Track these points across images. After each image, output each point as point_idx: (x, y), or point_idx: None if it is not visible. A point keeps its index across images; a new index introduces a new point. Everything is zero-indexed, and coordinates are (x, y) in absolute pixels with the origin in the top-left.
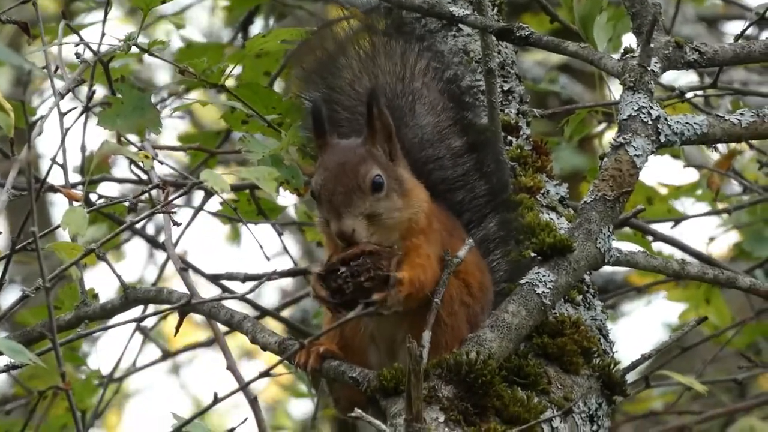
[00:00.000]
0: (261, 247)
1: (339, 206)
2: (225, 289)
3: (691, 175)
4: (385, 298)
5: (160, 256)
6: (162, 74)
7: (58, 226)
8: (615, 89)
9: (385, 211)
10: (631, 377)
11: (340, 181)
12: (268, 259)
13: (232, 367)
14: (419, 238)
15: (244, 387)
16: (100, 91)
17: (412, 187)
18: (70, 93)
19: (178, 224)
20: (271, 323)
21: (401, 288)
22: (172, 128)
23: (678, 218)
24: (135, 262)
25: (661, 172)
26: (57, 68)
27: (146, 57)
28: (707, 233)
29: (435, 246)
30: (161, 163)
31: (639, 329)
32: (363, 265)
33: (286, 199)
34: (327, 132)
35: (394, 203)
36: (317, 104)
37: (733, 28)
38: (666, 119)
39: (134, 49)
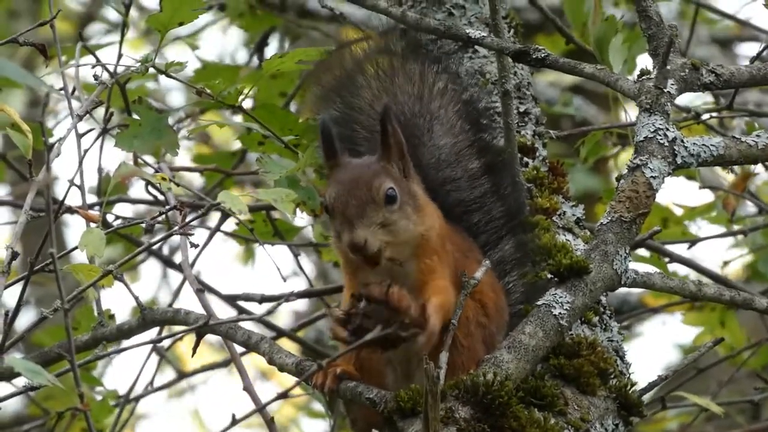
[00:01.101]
0: (278, 269)
1: (352, 218)
2: (241, 310)
3: (707, 197)
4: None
5: (174, 276)
6: (176, 96)
7: (76, 248)
8: (630, 111)
9: (399, 223)
10: (646, 398)
11: (354, 193)
12: (285, 281)
13: (248, 388)
14: (433, 259)
15: (262, 408)
16: (117, 113)
17: (425, 203)
18: (87, 114)
19: (195, 246)
20: (286, 344)
21: (432, 331)
22: (186, 149)
23: (693, 240)
24: (149, 282)
25: (676, 193)
26: (74, 90)
27: (161, 79)
28: (723, 255)
29: (448, 268)
30: (177, 184)
31: (653, 350)
32: (378, 313)
33: (303, 220)
34: (338, 152)
35: (408, 216)
36: (326, 124)
37: (747, 49)
38: (682, 141)
39: (151, 71)
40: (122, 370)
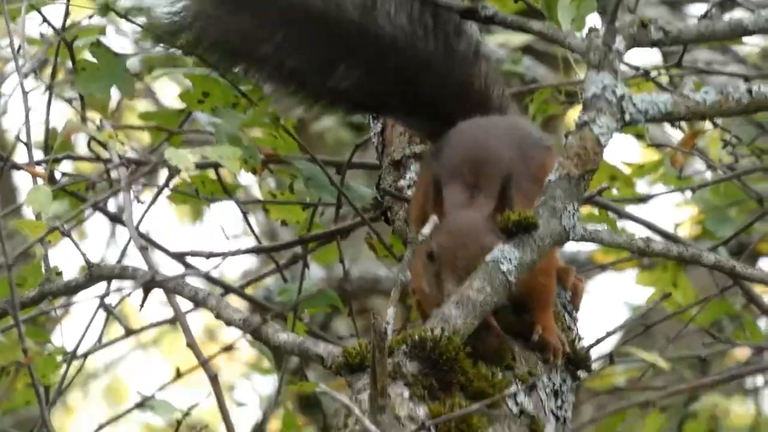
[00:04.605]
0: (222, 228)
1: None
2: (189, 266)
3: (655, 156)
4: None
5: (122, 236)
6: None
7: (22, 205)
8: (580, 72)
9: None
10: (595, 353)
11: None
12: (228, 239)
13: (192, 344)
14: None
15: (205, 362)
16: (64, 71)
17: None
18: (33, 71)
19: (141, 201)
20: (234, 301)
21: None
22: (132, 107)
23: (641, 197)
24: (97, 241)
25: (624, 152)
26: (20, 47)
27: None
28: (671, 212)
29: None
30: (122, 143)
31: (603, 307)
32: None
33: (245, 179)
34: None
35: None
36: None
37: (696, 10)
38: (630, 98)
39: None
40: (72, 328)
